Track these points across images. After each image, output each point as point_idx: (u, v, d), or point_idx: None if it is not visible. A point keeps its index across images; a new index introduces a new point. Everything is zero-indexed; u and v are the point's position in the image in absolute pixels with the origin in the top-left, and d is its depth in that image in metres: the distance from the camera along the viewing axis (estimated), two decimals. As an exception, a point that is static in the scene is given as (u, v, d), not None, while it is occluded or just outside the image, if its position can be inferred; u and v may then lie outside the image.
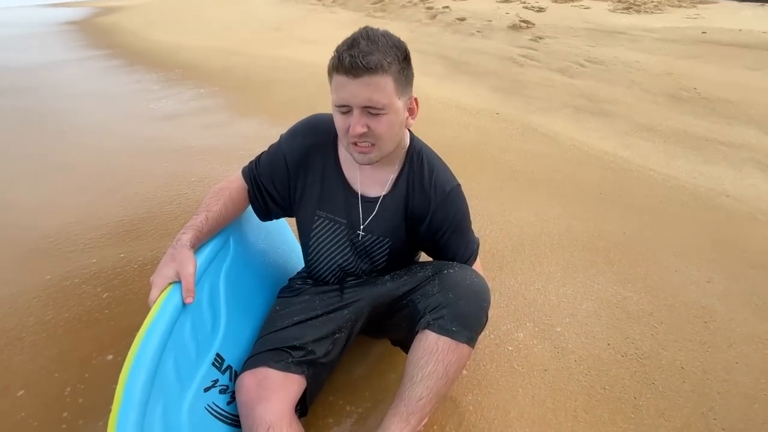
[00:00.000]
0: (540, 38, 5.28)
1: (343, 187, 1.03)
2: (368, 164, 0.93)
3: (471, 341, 0.93)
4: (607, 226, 2.03)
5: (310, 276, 1.16)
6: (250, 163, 1.11)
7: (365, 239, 1.05)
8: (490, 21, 6.11)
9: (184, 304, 0.88)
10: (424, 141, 1.08)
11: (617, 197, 2.28)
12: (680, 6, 6.90)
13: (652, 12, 6.52)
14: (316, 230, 1.07)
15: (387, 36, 0.84)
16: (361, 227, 1.03)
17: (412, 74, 0.89)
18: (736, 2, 7.27)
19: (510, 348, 1.38)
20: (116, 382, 0.74)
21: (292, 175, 1.05)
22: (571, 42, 5.11)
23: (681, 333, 1.46)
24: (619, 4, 6.94)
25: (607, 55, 4.53)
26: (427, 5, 7.32)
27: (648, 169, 2.56)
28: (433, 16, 6.86)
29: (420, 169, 1.01)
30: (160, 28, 7.72)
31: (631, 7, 6.59)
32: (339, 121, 0.88)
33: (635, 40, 4.97)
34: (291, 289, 1.18)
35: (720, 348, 1.41)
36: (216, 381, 0.94)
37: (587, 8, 6.76)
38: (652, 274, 1.73)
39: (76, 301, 1.53)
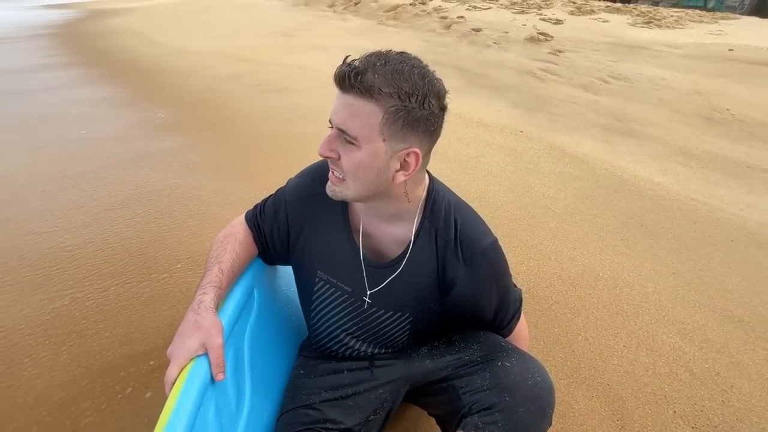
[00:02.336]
0: (560, 51, 5.13)
1: (350, 247, 0.86)
2: (339, 200, 0.78)
3: None
4: (653, 265, 1.86)
5: (315, 346, 1.00)
6: (255, 207, 0.97)
7: (375, 314, 0.88)
8: (507, 32, 5.98)
9: (211, 383, 0.72)
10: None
11: (660, 230, 2.11)
12: (701, 21, 6.76)
13: (673, 27, 6.38)
14: (318, 294, 0.91)
15: (405, 64, 0.65)
16: (368, 299, 0.87)
17: (422, 123, 0.68)
18: (758, 18, 7.13)
19: (564, 413, 1.22)
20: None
21: (292, 227, 0.90)
22: (592, 56, 4.97)
23: (755, 401, 1.29)
24: (638, 18, 6.81)
25: (632, 71, 4.38)
26: (441, 15, 7.20)
27: (689, 199, 2.39)
28: (448, 26, 6.73)
29: (446, 222, 0.82)
30: (167, 31, 7.63)
31: (651, 22, 6.45)
32: None
33: (659, 56, 4.82)
34: (314, 347, 1.02)
35: (802, 421, 1.24)
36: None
37: (606, 21, 6.63)
38: (711, 324, 1.56)
39: (75, 339, 1.38)
